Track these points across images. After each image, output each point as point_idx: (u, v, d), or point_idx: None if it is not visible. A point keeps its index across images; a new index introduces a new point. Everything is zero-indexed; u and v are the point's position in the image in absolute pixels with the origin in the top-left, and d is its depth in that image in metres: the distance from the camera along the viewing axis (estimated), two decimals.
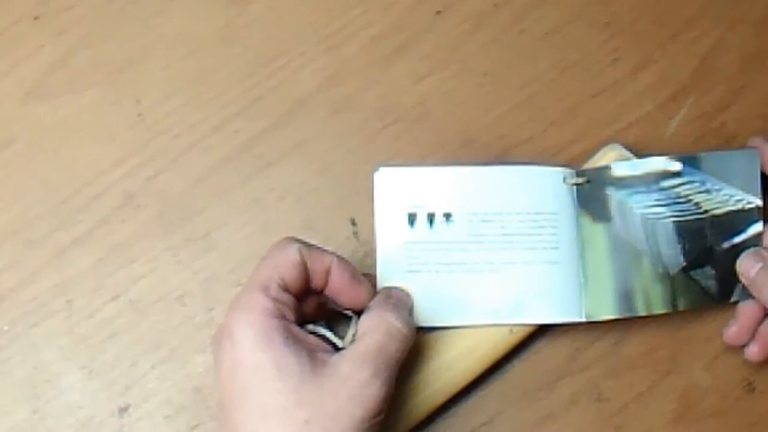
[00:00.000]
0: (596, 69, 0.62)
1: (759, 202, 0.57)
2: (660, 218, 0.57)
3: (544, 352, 0.58)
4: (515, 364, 0.58)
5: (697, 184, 0.57)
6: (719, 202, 0.57)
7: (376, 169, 0.56)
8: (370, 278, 0.54)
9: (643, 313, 0.56)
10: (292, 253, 0.49)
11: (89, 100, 0.60)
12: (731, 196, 0.57)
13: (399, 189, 0.56)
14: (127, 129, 0.59)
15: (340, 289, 0.51)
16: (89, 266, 0.58)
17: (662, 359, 0.59)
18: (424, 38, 0.61)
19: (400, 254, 0.55)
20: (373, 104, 0.60)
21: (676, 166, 0.57)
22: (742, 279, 0.56)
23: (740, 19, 0.63)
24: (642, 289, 0.56)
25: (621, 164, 0.57)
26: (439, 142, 0.60)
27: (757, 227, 0.57)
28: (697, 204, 0.57)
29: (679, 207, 0.57)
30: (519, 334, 0.56)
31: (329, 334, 0.51)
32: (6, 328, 0.57)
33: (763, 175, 0.57)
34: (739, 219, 0.57)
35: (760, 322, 0.57)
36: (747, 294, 0.57)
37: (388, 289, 0.54)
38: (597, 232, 0.57)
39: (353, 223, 0.59)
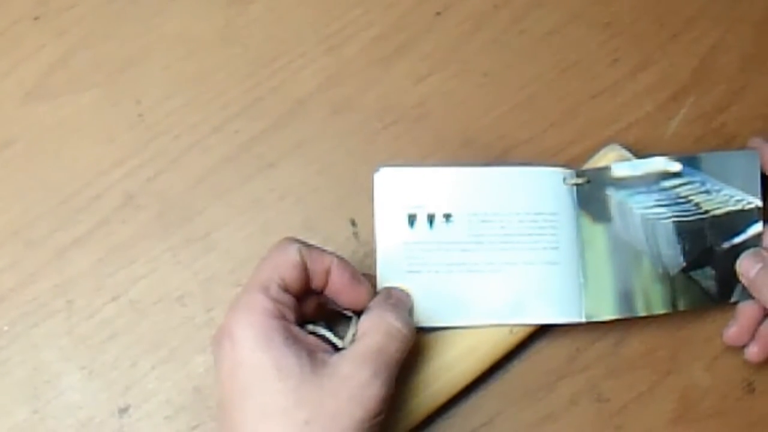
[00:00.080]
0: (596, 69, 0.62)
1: (759, 203, 0.57)
2: (660, 218, 0.57)
3: (544, 352, 0.58)
4: (515, 365, 0.58)
5: (697, 185, 0.57)
6: (719, 203, 0.57)
7: (376, 170, 0.56)
8: (370, 278, 0.54)
9: (643, 314, 0.56)
10: (292, 254, 0.49)
11: (89, 101, 0.60)
12: (731, 196, 0.57)
13: (399, 189, 0.56)
14: (127, 129, 0.59)
15: (340, 289, 0.51)
16: (89, 266, 0.58)
17: (662, 359, 0.59)
18: (425, 39, 0.61)
19: (400, 254, 0.55)
20: (373, 104, 0.60)
21: (676, 166, 0.57)
22: (742, 279, 0.56)
23: (740, 19, 0.63)
24: (642, 289, 0.56)
25: (621, 165, 0.57)
26: (439, 142, 0.60)
27: (756, 227, 0.57)
28: (697, 204, 0.57)
29: (679, 207, 0.57)
30: (519, 335, 0.56)
31: (329, 335, 0.51)
32: (6, 328, 0.57)
33: (763, 175, 0.57)
34: (739, 219, 0.57)
35: (760, 323, 0.57)
36: (747, 294, 0.57)
37: (388, 290, 0.54)
38: (597, 232, 0.57)
39: (353, 224, 0.59)
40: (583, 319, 0.56)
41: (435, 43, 0.61)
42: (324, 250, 0.51)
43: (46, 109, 0.60)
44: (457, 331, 0.55)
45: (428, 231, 0.55)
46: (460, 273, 0.55)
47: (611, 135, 0.61)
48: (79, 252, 0.58)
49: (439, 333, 0.55)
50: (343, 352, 0.49)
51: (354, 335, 0.51)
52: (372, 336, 0.49)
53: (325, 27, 0.61)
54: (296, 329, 0.49)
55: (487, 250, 0.56)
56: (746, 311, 0.57)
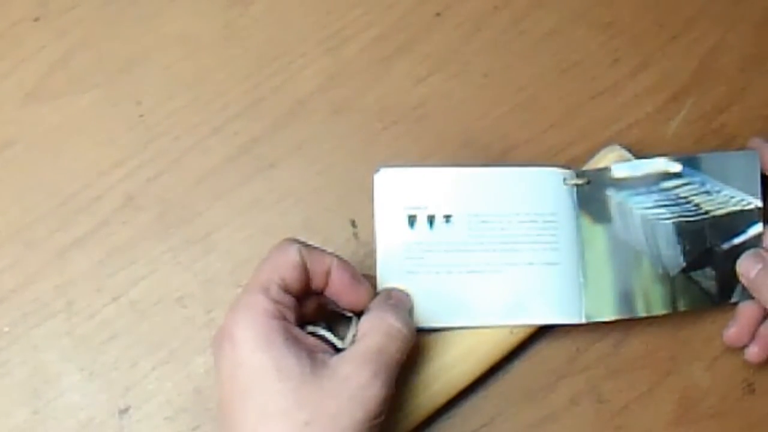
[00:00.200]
0: (596, 70, 0.62)
1: (759, 203, 0.57)
2: (660, 219, 0.57)
3: (544, 353, 0.58)
4: (515, 365, 0.58)
5: (697, 185, 0.57)
6: (719, 203, 0.57)
7: (377, 170, 0.56)
8: (370, 279, 0.54)
9: (643, 314, 0.56)
10: (293, 255, 0.49)
11: (89, 101, 0.60)
12: (731, 197, 0.57)
13: (399, 190, 0.56)
14: (128, 130, 0.59)
15: (341, 290, 0.51)
16: (89, 267, 0.58)
17: (662, 360, 0.59)
18: (425, 39, 0.61)
19: (400, 255, 0.55)
20: (373, 105, 0.60)
21: (676, 167, 0.57)
22: (742, 280, 0.56)
23: (740, 20, 0.63)
24: (642, 289, 0.56)
25: (621, 165, 0.57)
26: (439, 143, 0.60)
27: (757, 228, 0.57)
28: (697, 205, 0.57)
29: (679, 208, 0.57)
30: (519, 335, 0.56)
31: (329, 335, 0.51)
32: (6, 329, 0.57)
33: (763, 176, 0.57)
34: (739, 220, 0.57)
35: (759, 323, 0.57)
36: (747, 295, 0.57)
37: (388, 290, 0.54)
38: (597, 233, 0.57)
39: (353, 224, 0.59)
40: (583, 320, 0.56)
41: (435, 43, 0.61)
42: (324, 251, 0.51)
43: (47, 110, 0.60)
44: (457, 331, 0.55)
45: (428, 231, 0.55)
46: (460, 273, 0.55)
47: (611, 135, 0.61)
48: (80, 253, 0.58)
49: (439, 333, 0.55)
50: (343, 352, 0.49)
51: (354, 336, 0.51)
52: (372, 337, 0.49)
53: (325, 27, 0.61)
54: (296, 330, 0.49)
55: (487, 250, 0.56)
56: (746, 312, 0.57)
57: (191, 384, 0.57)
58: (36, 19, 0.61)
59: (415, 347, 0.52)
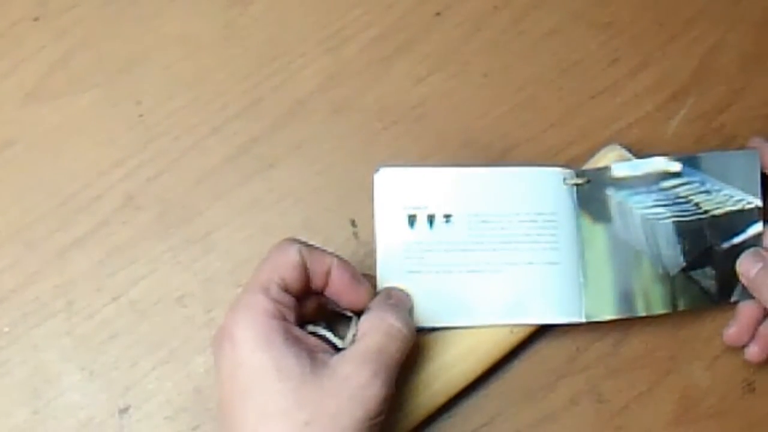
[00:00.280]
0: (596, 69, 0.62)
1: (759, 203, 0.57)
2: (660, 219, 0.57)
3: (544, 352, 0.58)
4: (515, 365, 0.58)
5: (696, 185, 0.57)
6: (719, 203, 0.57)
7: (377, 170, 0.56)
8: (370, 279, 0.54)
9: (643, 314, 0.56)
10: (293, 254, 0.49)
11: (89, 101, 0.60)
12: (731, 196, 0.57)
13: (399, 190, 0.56)
14: (127, 130, 0.59)
15: (341, 289, 0.51)
16: (89, 267, 0.58)
17: (662, 359, 0.59)
18: (424, 39, 0.61)
19: (400, 255, 0.55)
20: (373, 105, 0.60)
21: (676, 166, 0.57)
22: (742, 279, 0.56)
23: (740, 20, 0.63)
24: (642, 289, 0.57)
25: (621, 165, 0.57)
26: (439, 142, 0.60)
27: (756, 227, 0.57)
28: (697, 204, 0.57)
29: (679, 207, 0.57)
30: (519, 335, 0.56)
31: (329, 335, 0.51)
32: (6, 329, 0.57)
33: (763, 175, 0.57)
34: (738, 219, 0.57)
35: (759, 323, 0.57)
36: (747, 294, 0.57)
37: (388, 290, 0.54)
38: (597, 232, 0.57)
39: (353, 224, 0.59)
40: (583, 319, 0.56)
41: (435, 43, 0.61)
42: (324, 251, 0.51)
43: (47, 110, 0.60)
44: (457, 331, 0.55)
45: (428, 231, 0.55)
46: (460, 273, 0.55)
47: (611, 135, 0.61)
48: (80, 252, 0.58)
49: (439, 333, 0.55)
50: (343, 352, 0.49)
51: (354, 336, 0.51)
52: (372, 336, 0.49)
53: (325, 27, 0.61)
54: (296, 330, 0.49)
55: (487, 250, 0.56)
56: (746, 311, 0.57)
57: (191, 384, 0.57)
58: (36, 19, 0.61)
59: (415, 347, 0.52)
